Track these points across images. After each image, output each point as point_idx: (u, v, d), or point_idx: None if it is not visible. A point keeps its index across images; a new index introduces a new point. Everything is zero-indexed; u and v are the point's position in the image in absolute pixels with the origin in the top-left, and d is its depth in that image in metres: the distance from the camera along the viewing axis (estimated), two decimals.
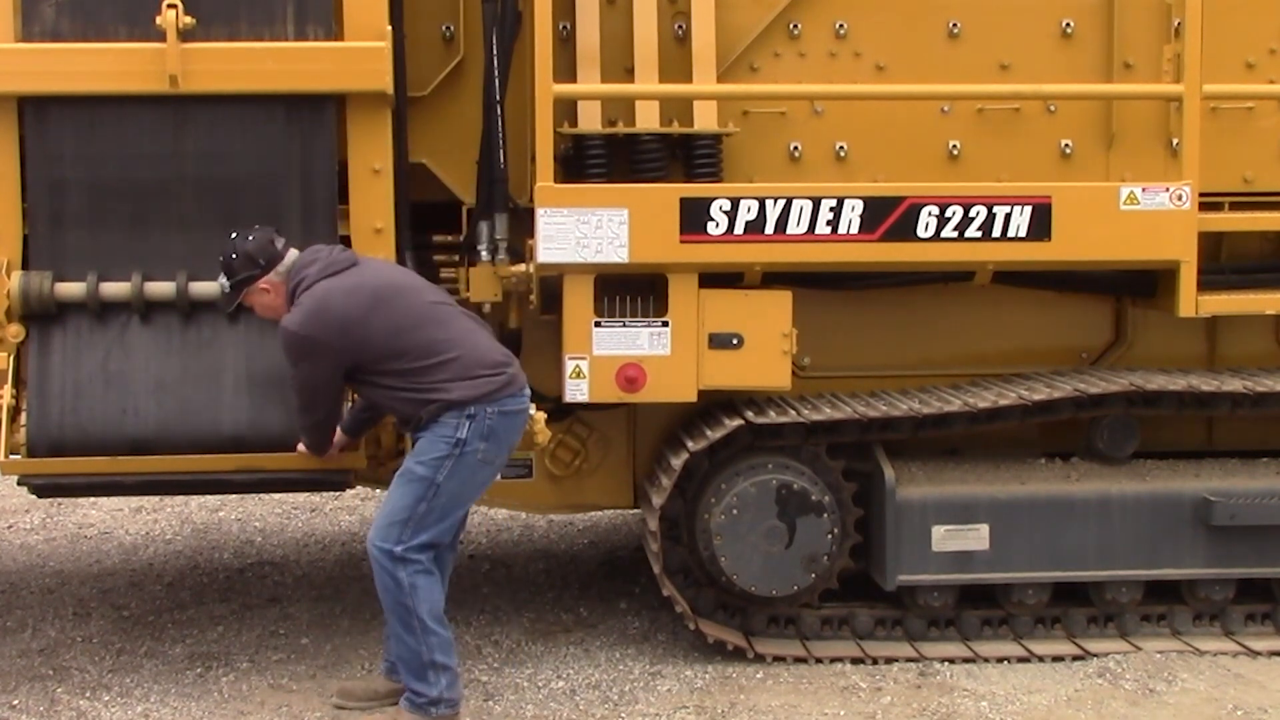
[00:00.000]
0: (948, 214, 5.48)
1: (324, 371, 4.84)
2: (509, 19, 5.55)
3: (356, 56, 5.22)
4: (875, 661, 5.53)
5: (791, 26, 5.80)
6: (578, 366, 5.45)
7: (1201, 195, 5.60)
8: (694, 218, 5.42)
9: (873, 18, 5.81)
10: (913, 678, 5.40)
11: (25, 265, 5.22)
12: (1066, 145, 5.88)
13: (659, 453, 5.83)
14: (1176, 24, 5.74)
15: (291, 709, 5.15)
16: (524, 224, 5.61)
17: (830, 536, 5.53)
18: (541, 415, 5.24)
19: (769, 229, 5.44)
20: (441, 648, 4.81)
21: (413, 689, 4.84)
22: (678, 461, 5.44)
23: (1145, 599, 5.73)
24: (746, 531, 5.49)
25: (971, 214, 5.49)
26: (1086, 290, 6.00)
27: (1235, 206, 5.89)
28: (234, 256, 4.93)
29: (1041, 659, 5.57)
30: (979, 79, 5.79)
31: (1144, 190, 5.55)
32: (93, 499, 8.07)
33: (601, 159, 5.61)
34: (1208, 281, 5.64)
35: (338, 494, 8.33)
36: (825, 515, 5.51)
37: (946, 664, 5.51)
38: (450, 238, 5.79)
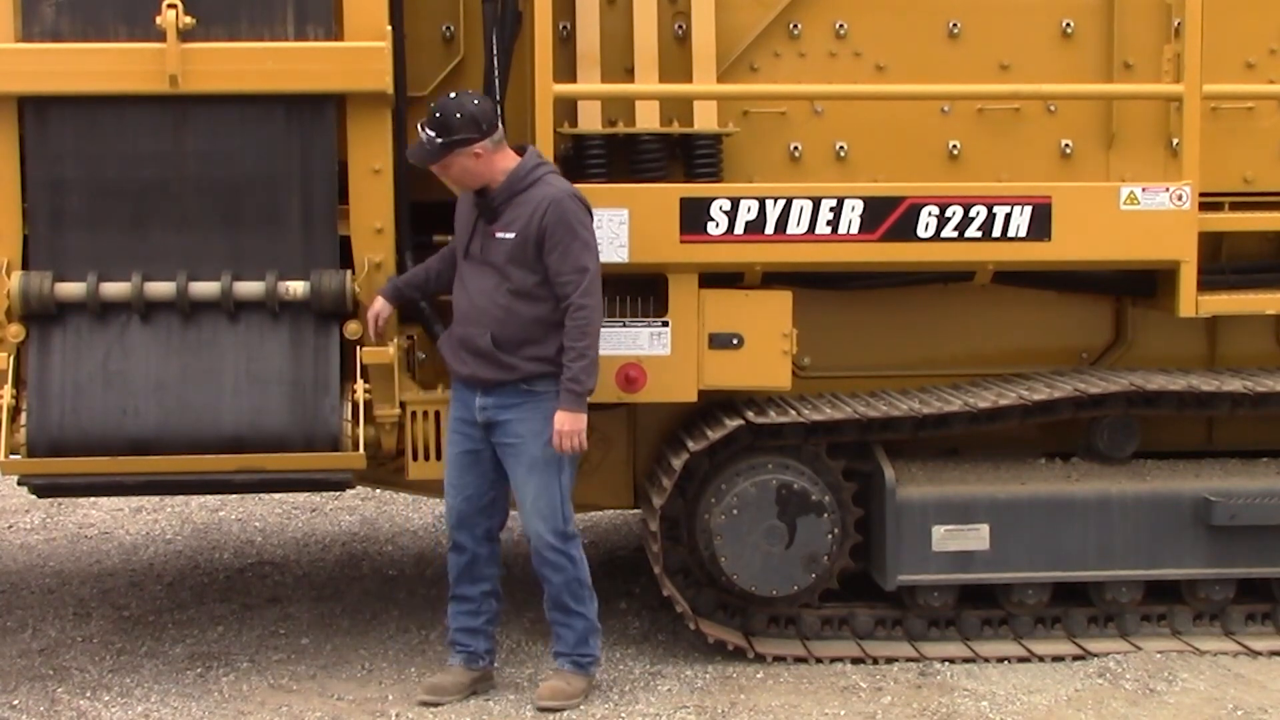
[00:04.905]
0: (948, 214, 5.49)
1: (596, 251, 5.00)
2: (509, 19, 5.54)
3: (356, 56, 5.21)
4: (875, 661, 5.53)
5: (791, 26, 5.80)
6: None
7: (1201, 195, 5.60)
8: (694, 218, 5.42)
9: (873, 18, 5.81)
10: (913, 678, 5.40)
11: (25, 265, 5.22)
12: (1066, 145, 5.87)
13: (659, 453, 5.83)
14: (1176, 24, 5.74)
15: (291, 709, 5.15)
16: None
17: (830, 536, 5.53)
18: None
19: (769, 229, 5.44)
20: (596, 611, 5.18)
21: (579, 652, 5.16)
22: (678, 462, 5.44)
23: (1145, 599, 5.73)
24: (747, 531, 5.49)
25: (971, 214, 5.50)
26: (1086, 290, 5.99)
27: (1235, 206, 5.89)
28: (457, 116, 4.88)
29: (1041, 659, 5.57)
30: (979, 79, 5.79)
31: (1144, 190, 5.56)
32: (93, 499, 8.07)
33: (601, 159, 5.61)
34: (1208, 281, 5.65)
35: (338, 494, 8.33)
36: (825, 515, 5.51)
37: (946, 664, 5.51)
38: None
